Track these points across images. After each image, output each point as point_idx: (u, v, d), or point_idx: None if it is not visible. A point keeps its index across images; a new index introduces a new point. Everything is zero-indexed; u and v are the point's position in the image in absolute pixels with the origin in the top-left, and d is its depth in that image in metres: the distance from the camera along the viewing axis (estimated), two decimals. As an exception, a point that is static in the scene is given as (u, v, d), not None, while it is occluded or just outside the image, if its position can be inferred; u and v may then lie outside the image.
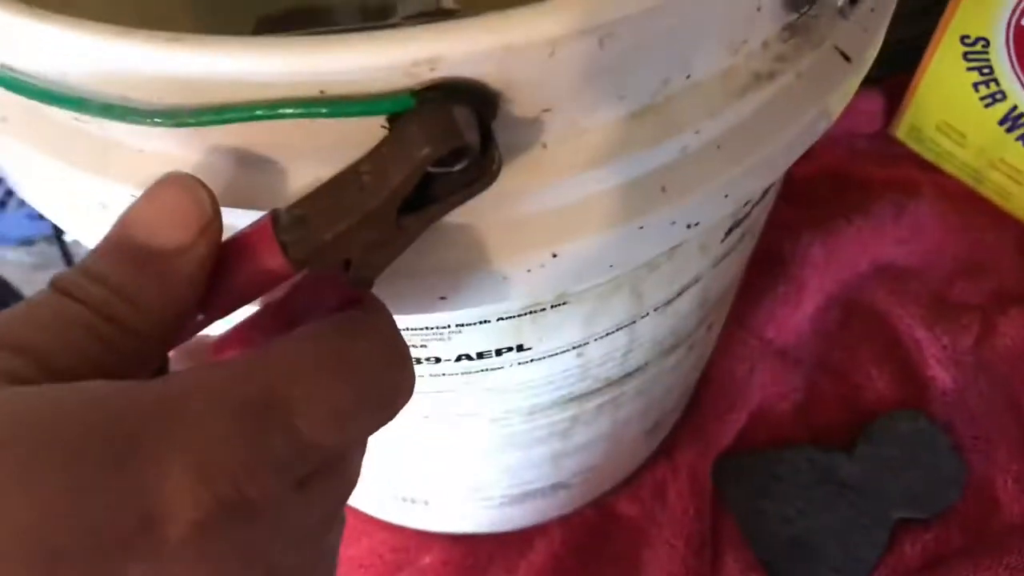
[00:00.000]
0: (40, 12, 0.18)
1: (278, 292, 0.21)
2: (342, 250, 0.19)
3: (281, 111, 0.18)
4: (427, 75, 0.18)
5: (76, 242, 0.90)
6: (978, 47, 0.53)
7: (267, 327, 0.22)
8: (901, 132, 0.60)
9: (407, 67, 0.18)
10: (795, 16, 0.22)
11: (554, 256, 0.23)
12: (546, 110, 0.20)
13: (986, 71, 0.53)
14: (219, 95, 0.19)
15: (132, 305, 0.18)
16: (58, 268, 0.98)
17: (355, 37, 0.17)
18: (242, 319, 0.22)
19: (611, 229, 0.23)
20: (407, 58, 0.17)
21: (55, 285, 0.19)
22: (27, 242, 1.50)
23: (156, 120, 0.19)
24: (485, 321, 0.28)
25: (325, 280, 0.20)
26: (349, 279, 0.20)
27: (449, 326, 0.28)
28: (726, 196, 0.25)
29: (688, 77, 0.21)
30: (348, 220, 0.19)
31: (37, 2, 0.26)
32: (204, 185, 0.19)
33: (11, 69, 0.20)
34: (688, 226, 0.25)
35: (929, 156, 0.60)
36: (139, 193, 0.19)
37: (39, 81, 0.20)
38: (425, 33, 0.17)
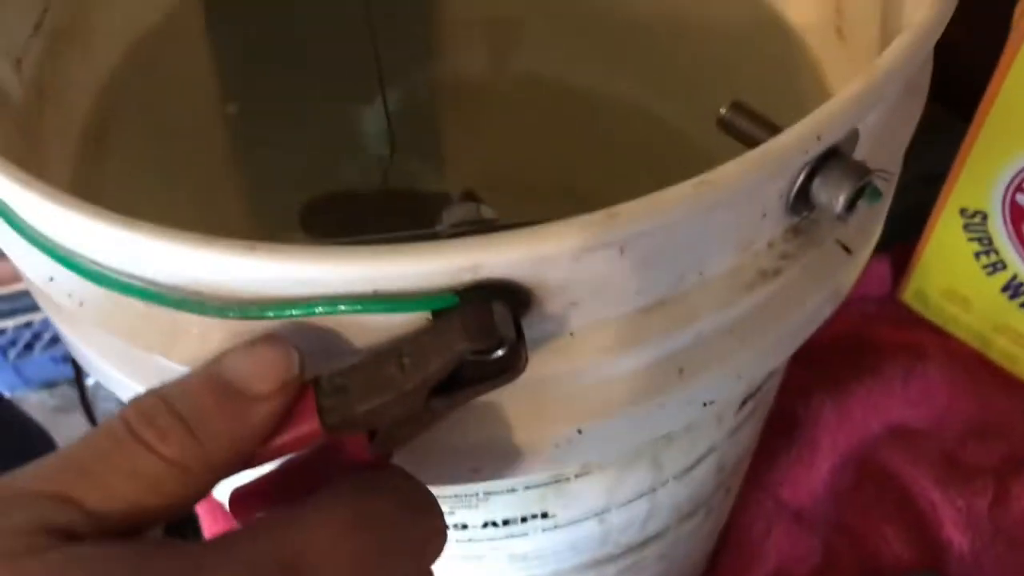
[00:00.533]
0: (129, 220, 0.21)
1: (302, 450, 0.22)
2: (372, 422, 0.21)
3: (339, 307, 0.21)
4: (469, 278, 0.20)
5: (97, 384, 0.92)
6: (977, 219, 0.56)
7: (286, 483, 0.24)
8: (909, 296, 0.63)
9: (452, 272, 0.20)
10: (797, 219, 0.25)
11: (579, 432, 0.25)
12: (572, 304, 0.22)
13: (986, 242, 0.56)
14: (284, 291, 0.21)
15: (201, 447, 0.20)
16: (78, 411, 1.00)
17: (408, 248, 0.20)
18: (262, 473, 0.24)
19: (632, 408, 0.25)
20: (453, 266, 0.20)
21: (131, 425, 0.20)
22: (50, 384, 1.51)
23: (226, 313, 0.21)
24: (512, 490, 0.30)
25: (349, 444, 0.22)
26: (372, 447, 0.22)
27: (477, 494, 0.30)
28: (739, 376, 0.27)
29: (701, 275, 0.24)
30: (383, 396, 0.21)
31: (102, 181, 0.29)
32: (297, 348, 0.21)
33: (94, 263, 0.23)
34: (704, 404, 0.27)
35: (936, 320, 0.62)
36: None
37: (119, 275, 0.22)
38: (468, 245, 0.20)
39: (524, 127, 0.46)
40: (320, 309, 0.21)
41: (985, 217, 0.55)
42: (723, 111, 0.26)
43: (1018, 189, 0.53)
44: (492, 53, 0.45)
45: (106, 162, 0.36)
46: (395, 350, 0.21)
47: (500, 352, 0.21)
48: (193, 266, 0.21)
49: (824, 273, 0.27)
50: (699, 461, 0.34)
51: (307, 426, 0.21)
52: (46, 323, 1.25)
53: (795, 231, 0.25)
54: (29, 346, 1.32)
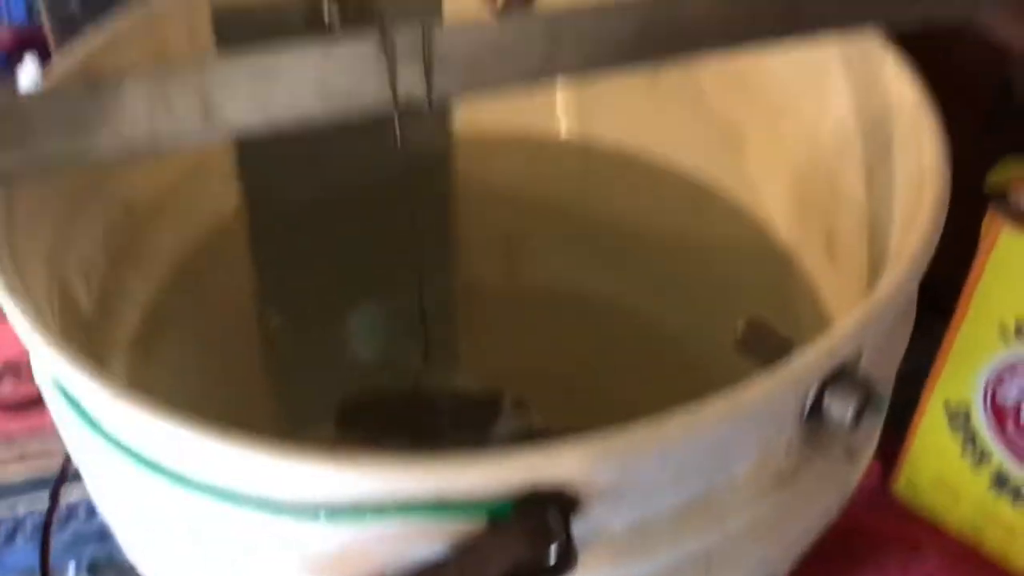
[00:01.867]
0: (218, 431, 0.23)
1: None
2: None
3: (407, 514, 0.23)
4: (527, 485, 0.23)
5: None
6: (960, 414, 0.59)
7: None
8: (900, 488, 0.65)
9: (512, 480, 0.22)
10: (807, 432, 0.27)
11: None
12: (616, 507, 0.25)
13: (970, 435, 0.59)
14: (357, 498, 0.23)
15: None
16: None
17: (471, 458, 0.22)
18: None
19: (664, 606, 0.27)
20: (513, 474, 0.22)
21: None
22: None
23: (302, 517, 0.23)
24: None
25: None
26: None
27: None
28: (761, 568, 0.29)
29: (728, 479, 0.26)
30: None
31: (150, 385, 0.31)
32: None
33: (177, 472, 0.25)
34: (729, 600, 0.28)
35: (929, 511, 0.63)
36: None
37: (198, 479, 0.24)
38: (528, 455, 0.22)
39: (537, 328, 0.49)
40: (391, 514, 0.23)
41: (968, 412, 0.58)
42: (740, 326, 0.29)
43: (997, 384, 0.56)
44: (507, 264, 0.48)
45: (152, 367, 0.38)
46: (454, 557, 0.23)
47: (552, 555, 0.23)
48: (277, 475, 0.23)
49: (833, 476, 0.29)
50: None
51: None
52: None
53: (807, 439, 0.28)
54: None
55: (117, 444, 0.26)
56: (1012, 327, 0.54)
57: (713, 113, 0.44)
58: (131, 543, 0.31)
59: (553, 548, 0.23)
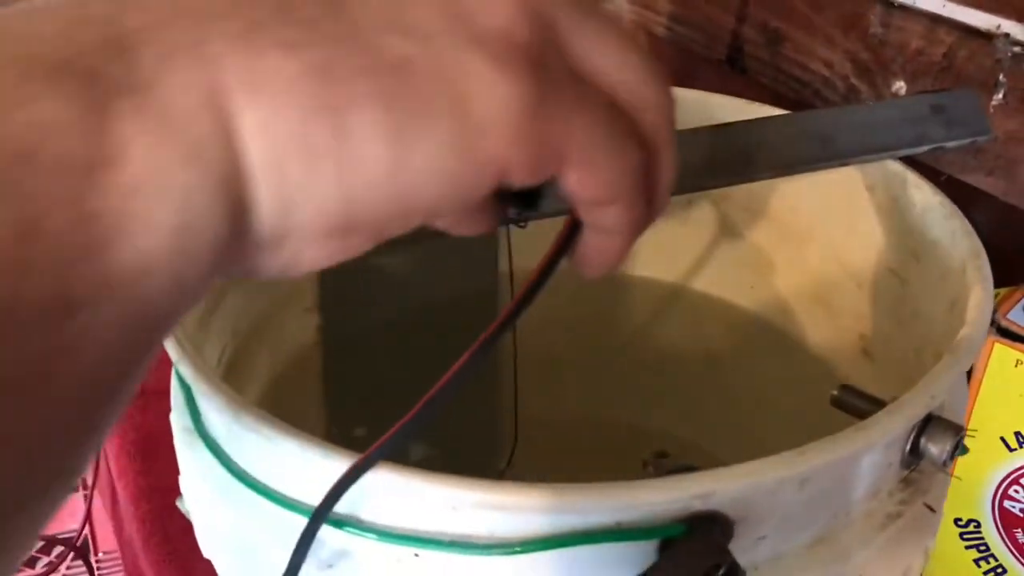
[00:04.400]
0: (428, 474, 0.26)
1: None
2: None
3: (590, 540, 0.26)
4: (694, 508, 0.26)
5: None
6: (971, 528, 0.62)
7: None
8: (917, 610, 0.67)
9: (686, 501, 0.25)
10: (907, 471, 0.31)
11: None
12: (760, 539, 0.28)
13: (983, 548, 0.62)
14: (541, 528, 0.26)
15: None
16: None
17: (648, 484, 0.25)
18: None
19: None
20: (686, 495, 0.25)
21: None
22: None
23: (493, 552, 0.26)
24: None
25: None
26: None
27: None
28: (870, 617, 0.31)
29: (847, 515, 0.29)
30: None
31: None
32: None
33: (373, 525, 0.27)
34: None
35: (949, 630, 0.66)
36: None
37: (395, 528, 0.27)
38: (700, 477, 0.25)
39: (579, 452, 0.52)
40: (573, 541, 0.26)
41: (979, 525, 0.61)
42: (835, 392, 0.33)
43: (1004, 497, 0.60)
44: (549, 389, 0.52)
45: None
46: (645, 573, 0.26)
47: (722, 572, 0.26)
48: (484, 511, 0.25)
49: (924, 524, 0.33)
50: None
51: None
52: None
53: (906, 482, 0.31)
54: None
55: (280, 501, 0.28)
56: (1013, 438, 0.59)
57: (742, 241, 0.49)
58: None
59: (725, 565, 0.26)
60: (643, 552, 0.26)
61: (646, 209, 0.23)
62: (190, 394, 0.34)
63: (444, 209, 0.20)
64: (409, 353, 0.47)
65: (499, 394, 0.51)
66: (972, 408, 0.60)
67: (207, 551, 0.34)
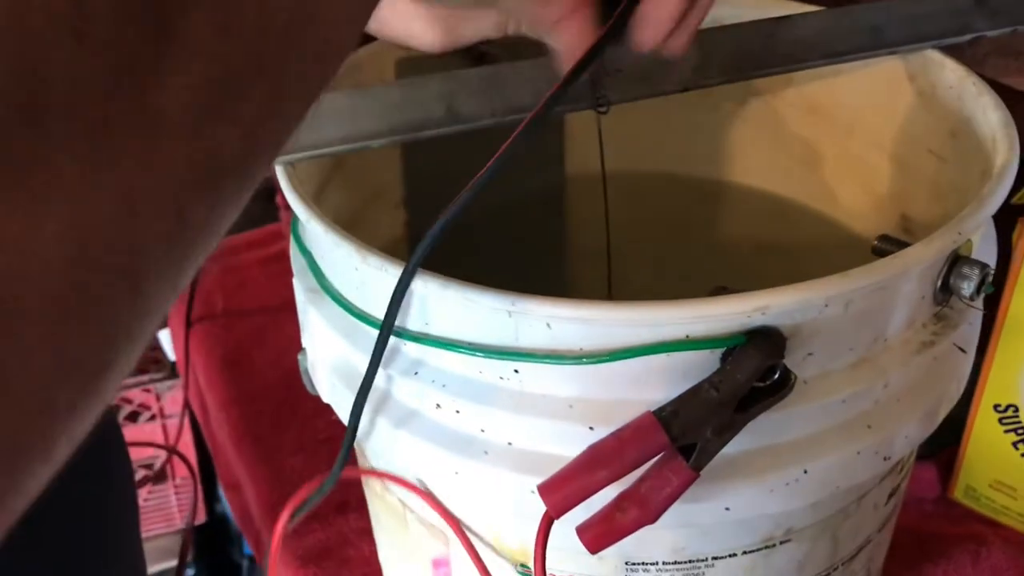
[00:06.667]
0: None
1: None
2: (698, 432, 0.30)
3: (664, 349, 0.30)
4: (753, 322, 0.30)
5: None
6: (1009, 412, 0.66)
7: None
8: (959, 494, 0.71)
9: (746, 314, 0.30)
10: (938, 308, 0.35)
11: (805, 472, 0.34)
12: (809, 355, 0.32)
13: (1021, 432, 0.66)
14: (624, 341, 0.31)
15: None
16: None
17: (716, 299, 0.30)
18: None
19: (839, 453, 0.34)
20: (747, 307, 0.30)
21: None
22: None
23: (582, 361, 0.31)
24: (733, 554, 0.38)
25: (670, 465, 0.31)
26: (692, 463, 0.31)
27: (706, 559, 0.38)
28: (905, 437, 0.36)
29: (885, 340, 0.34)
30: (705, 410, 0.30)
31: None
32: None
33: (463, 342, 0.32)
34: (884, 458, 0.36)
35: (988, 512, 0.70)
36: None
37: (475, 341, 0.32)
38: (758, 295, 0.30)
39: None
40: (648, 350, 0.31)
41: (1017, 409, 0.65)
42: (875, 242, 0.38)
43: (1040, 381, 0.64)
44: (619, 284, 0.57)
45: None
46: (707, 381, 0.30)
47: (775, 377, 0.31)
48: (574, 325, 0.30)
49: (954, 359, 0.37)
50: (859, 551, 0.42)
51: (653, 442, 0.30)
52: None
53: (937, 317, 0.36)
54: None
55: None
56: (1049, 323, 0.62)
57: (791, 136, 0.53)
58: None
59: (778, 371, 0.31)
60: (709, 361, 0.31)
61: None
62: (311, 259, 0.39)
63: None
64: (482, 248, 0.52)
65: (574, 289, 0.56)
66: (1010, 299, 0.64)
67: (327, 395, 0.40)
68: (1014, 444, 0.67)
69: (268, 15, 0.16)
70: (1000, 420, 0.67)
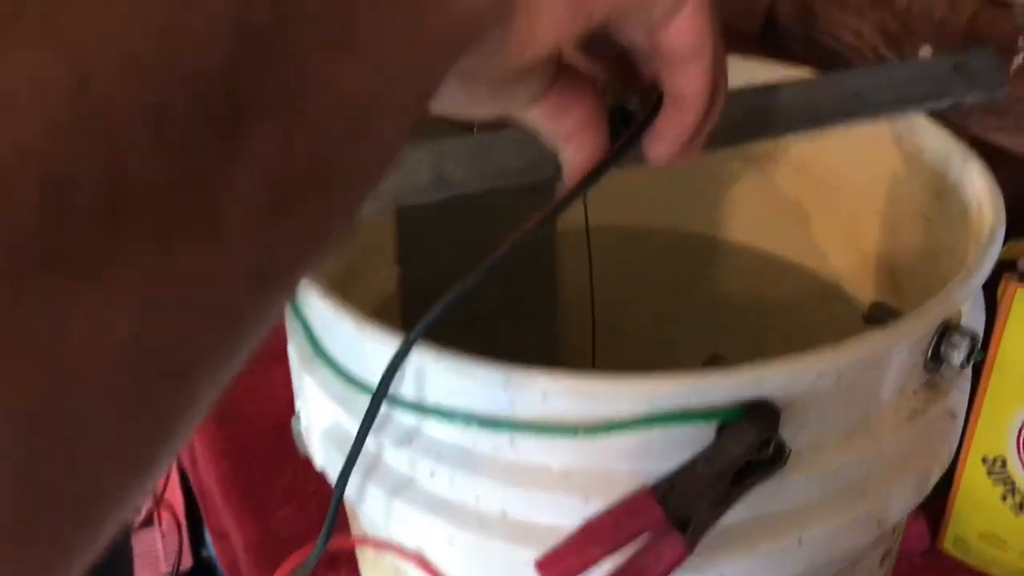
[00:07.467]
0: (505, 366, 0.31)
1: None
2: (694, 506, 0.30)
3: (659, 422, 0.31)
4: (748, 395, 0.31)
5: None
6: (997, 465, 0.66)
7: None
8: (948, 545, 0.71)
9: (739, 388, 0.30)
10: (929, 376, 0.36)
11: (799, 542, 0.34)
12: (802, 427, 0.33)
13: (1009, 484, 0.66)
14: (620, 414, 0.31)
15: None
16: None
17: (712, 372, 0.30)
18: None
19: (833, 521, 0.34)
20: (743, 382, 0.30)
21: None
22: None
23: (577, 433, 0.31)
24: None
25: (665, 539, 0.31)
26: (687, 538, 0.31)
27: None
28: (898, 502, 0.36)
29: (878, 409, 0.34)
30: (701, 484, 0.30)
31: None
32: None
33: (458, 413, 0.33)
34: (879, 524, 0.36)
35: (978, 564, 0.70)
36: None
37: (469, 411, 0.32)
38: (755, 369, 0.30)
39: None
40: (642, 424, 0.31)
41: (1005, 462, 0.66)
42: (867, 310, 0.38)
43: (1027, 434, 0.64)
44: (612, 338, 0.57)
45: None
46: (703, 455, 0.31)
47: (770, 451, 0.31)
48: (568, 398, 0.31)
49: (945, 425, 0.37)
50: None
51: (649, 516, 0.30)
52: None
53: (928, 384, 0.36)
54: None
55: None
56: (1036, 377, 0.63)
57: (781, 195, 0.54)
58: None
59: (771, 445, 0.31)
60: (704, 433, 0.31)
61: (717, 85, 0.29)
62: (305, 324, 0.39)
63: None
64: (473, 304, 0.52)
65: (565, 345, 0.57)
66: (996, 352, 0.64)
67: (320, 461, 0.40)
68: (1002, 496, 0.67)
69: (327, 120, 0.17)
70: (988, 472, 0.67)
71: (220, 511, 0.81)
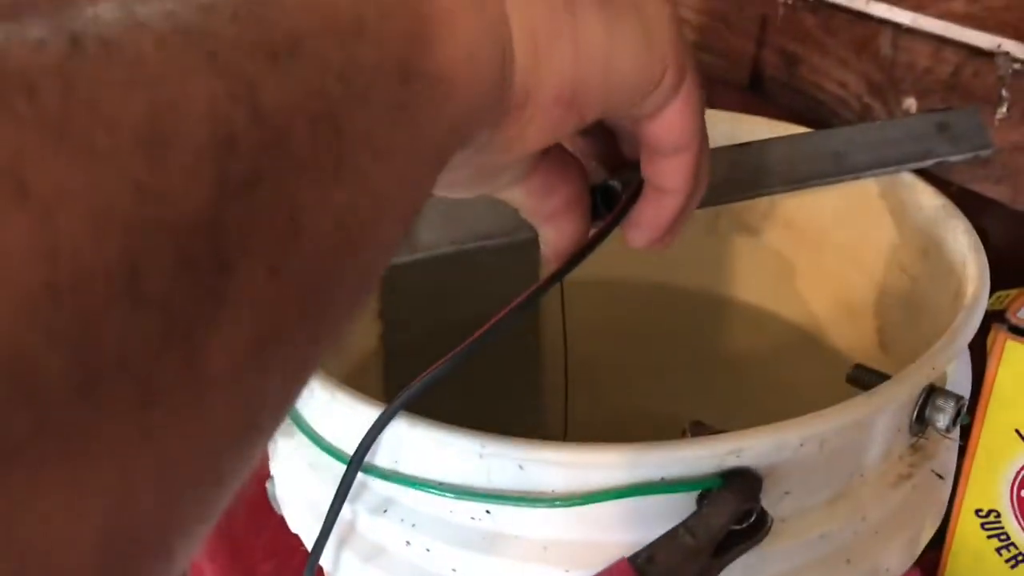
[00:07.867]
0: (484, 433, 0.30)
1: None
2: None
3: (638, 492, 0.30)
4: (728, 464, 0.30)
5: None
6: (991, 518, 0.65)
7: None
8: (943, 600, 0.70)
9: (721, 456, 0.30)
10: (915, 439, 0.35)
11: (784, 611, 0.33)
12: (786, 494, 0.32)
13: (1003, 537, 0.65)
14: (599, 483, 0.30)
15: None
16: None
17: (692, 441, 0.30)
18: None
19: (819, 591, 0.33)
20: (723, 456, 0.30)
21: None
22: None
23: (555, 504, 0.30)
24: None
25: None
26: None
27: None
28: (887, 569, 0.35)
29: (862, 475, 0.33)
30: (681, 556, 0.29)
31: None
32: None
33: (433, 482, 0.32)
34: (864, 593, 0.35)
35: (973, 619, 0.69)
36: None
37: (445, 482, 0.31)
38: (732, 435, 0.30)
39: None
40: (622, 494, 0.30)
41: (999, 515, 0.65)
42: (849, 371, 0.37)
43: (1022, 487, 0.63)
44: (590, 391, 0.56)
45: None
46: (683, 525, 0.30)
47: (752, 520, 0.30)
48: (546, 467, 0.30)
49: (932, 488, 0.37)
50: None
51: None
52: None
53: (914, 448, 0.35)
54: None
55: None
56: (1028, 428, 0.62)
57: (766, 249, 0.54)
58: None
59: (753, 515, 0.30)
60: (685, 503, 0.30)
61: (698, 178, 0.28)
62: (280, 385, 0.38)
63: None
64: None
65: (546, 398, 0.56)
66: (987, 403, 0.63)
67: (295, 526, 0.39)
68: (997, 550, 0.66)
69: (316, 249, 0.16)
70: (982, 525, 0.66)
71: (203, 565, 0.80)
